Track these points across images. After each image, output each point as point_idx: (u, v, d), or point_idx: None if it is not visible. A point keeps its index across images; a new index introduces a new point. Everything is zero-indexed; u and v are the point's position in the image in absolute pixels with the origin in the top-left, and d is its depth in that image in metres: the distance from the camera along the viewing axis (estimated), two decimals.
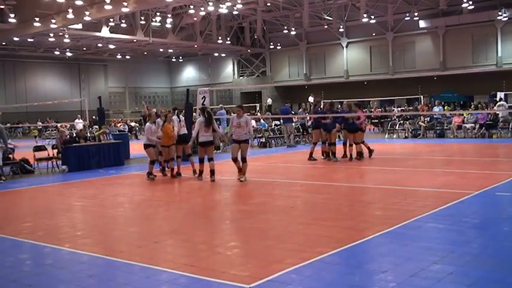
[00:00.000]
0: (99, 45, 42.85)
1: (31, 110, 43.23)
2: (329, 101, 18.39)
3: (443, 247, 5.75)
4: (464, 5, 33.06)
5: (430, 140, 22.05)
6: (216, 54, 49.37)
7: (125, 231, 7.56)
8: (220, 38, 42.09)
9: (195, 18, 38.77)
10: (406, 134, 24.00)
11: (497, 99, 27.11)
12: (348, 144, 15.12)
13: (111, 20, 35.44)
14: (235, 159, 11.44)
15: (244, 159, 11.38)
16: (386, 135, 25.03)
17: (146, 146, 12.71)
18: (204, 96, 17.39)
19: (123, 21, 37.01)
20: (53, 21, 30.97)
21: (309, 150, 15.28)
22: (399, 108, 36.30)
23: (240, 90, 50.70)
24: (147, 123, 12.96)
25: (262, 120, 25.78)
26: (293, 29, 41.49)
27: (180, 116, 13.58)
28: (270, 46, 47.59)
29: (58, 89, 48.13)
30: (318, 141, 15.33)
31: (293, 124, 22.56)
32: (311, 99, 38.38)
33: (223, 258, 5.78)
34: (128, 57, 49.64)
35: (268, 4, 36.97)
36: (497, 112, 21.87)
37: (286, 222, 7.37)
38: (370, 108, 38.39)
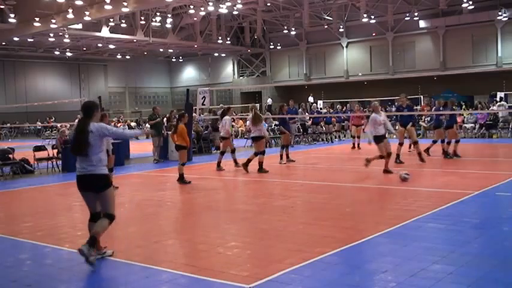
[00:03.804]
0: (99, 45, 42.85)
1: (31, 110, 43.24)
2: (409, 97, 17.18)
3: (443, 247, 5.75)
4: (464, 5, 33.05)
5: (430, 140, 21.98)
6: (216, 54, 49.37)
7: (124, 231, 7.56)
8: (220, 38, 42.09)
9: (195, 18, 38.78)
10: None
11: (497, 99, 27.10)
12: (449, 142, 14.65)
13: (111, 20, 35.44)
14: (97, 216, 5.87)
15: (109, 217, 5.79)
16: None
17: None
18: (204, 96, 17.41)
19: (123, 21, 37.02)
20: (53, 21, 30.99)
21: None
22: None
23: (240, 90, 50.70)
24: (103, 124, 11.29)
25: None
26: (293, 29, 41.49)
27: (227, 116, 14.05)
28: (270, 46, 47.58)
29: (58, 89, 48.15)
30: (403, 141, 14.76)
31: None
32: (311, 99, 38.41)
33: (223, 258, 5.78)
34: (128, 57, 49.65)
35: (268, 4, 36.96)
36: (497, 112, 21.87)
37: (286, 222, 7.36)
38: (370, 108, 38.35)
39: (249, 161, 13.08)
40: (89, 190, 5.79)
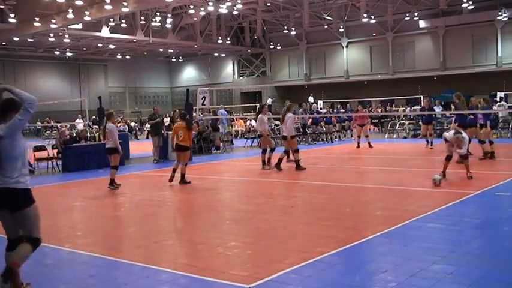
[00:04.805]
0: (99, 45, 42.83)
1: None
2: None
3: (443, 247, 5.75)
4: (464, 5, 33.03)
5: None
6: (216, 54, 49.36)
7: (125, 231, 7.56)
8: (220, 38, 42.08)
9: (195, 18, 38.77)
10: (406, 134, 24.04)
11: (497, 99, 27.09)
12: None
13: (111, 20, 35.43)
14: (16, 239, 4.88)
15: (32, 243, 4.89)
16: (387, 135, 25.05)
17: (113, 150, 11.27)
18: (204, 96, 17.40)
19: (123, 21, 37.00)
20: (53, 21, 30.97)
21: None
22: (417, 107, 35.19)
23: (240, 90, 50.69)
24: (111, 124, 11.36)
25: None
26: (293, 29, 41.47)
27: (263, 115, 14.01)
28: (270, 46, 47.57)
29: (58, 89, 48.11)
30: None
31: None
32: (311, 99, 38.38)
33: (223, 258, 5.78)
34: (128, 57, 49.63)
35: (268, 4, 36.95)
36: (497, 112, 21.85)
37: (286, 222, 7.37)
38: (369, 108, 38.38)
39: (296, 161, 13.23)
40: (3, 208, 4.61)
